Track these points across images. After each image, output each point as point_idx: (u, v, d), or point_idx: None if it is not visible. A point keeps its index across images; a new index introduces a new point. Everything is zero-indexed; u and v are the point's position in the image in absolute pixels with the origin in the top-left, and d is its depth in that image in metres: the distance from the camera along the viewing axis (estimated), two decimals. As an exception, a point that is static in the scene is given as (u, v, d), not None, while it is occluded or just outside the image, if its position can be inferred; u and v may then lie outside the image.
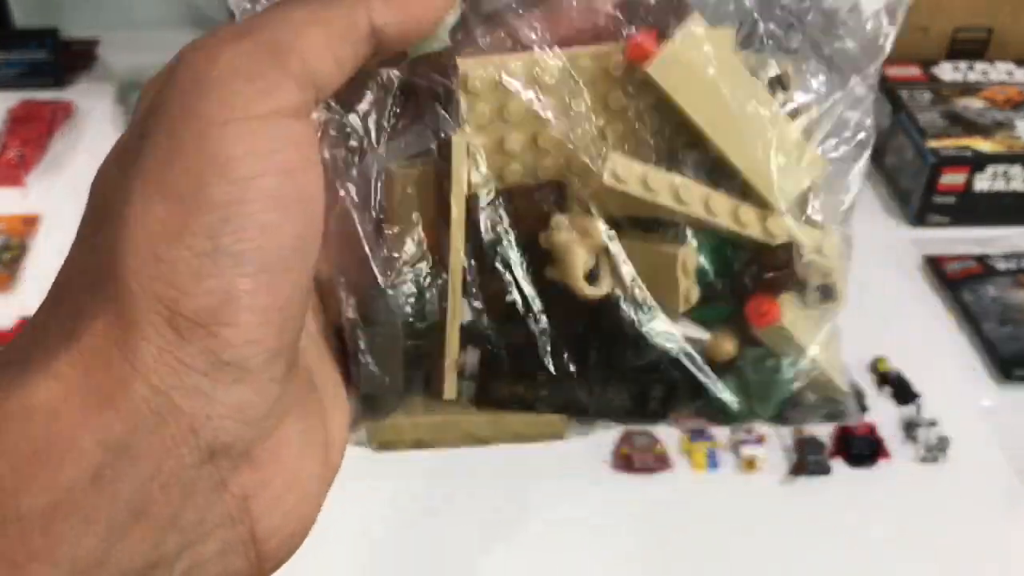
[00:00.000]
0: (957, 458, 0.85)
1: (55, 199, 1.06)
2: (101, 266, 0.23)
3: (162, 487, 0.22)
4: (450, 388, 0.28)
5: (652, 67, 0.27)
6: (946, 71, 1.20)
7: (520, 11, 0.27)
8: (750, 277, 0.28)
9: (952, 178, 1.08)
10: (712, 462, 0.84)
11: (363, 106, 0.27)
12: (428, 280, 0.27)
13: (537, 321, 0.28)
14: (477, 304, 0.28)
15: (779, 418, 0.30)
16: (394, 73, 0.27)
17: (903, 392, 0.90)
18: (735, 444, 0.85)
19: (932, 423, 0.87)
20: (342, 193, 0.27)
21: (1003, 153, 1.08)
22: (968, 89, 1.17)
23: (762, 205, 0.28)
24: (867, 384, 0.91)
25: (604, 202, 0.27)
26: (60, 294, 0.24)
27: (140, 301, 0.22)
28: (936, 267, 1.03)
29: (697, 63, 0.27)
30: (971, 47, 1.24)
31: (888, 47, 0.28)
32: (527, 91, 0.27)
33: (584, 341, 0.28)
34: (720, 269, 0.28)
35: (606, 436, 0.84)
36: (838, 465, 0.84)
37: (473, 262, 0.28)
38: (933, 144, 1.08)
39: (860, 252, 1.03)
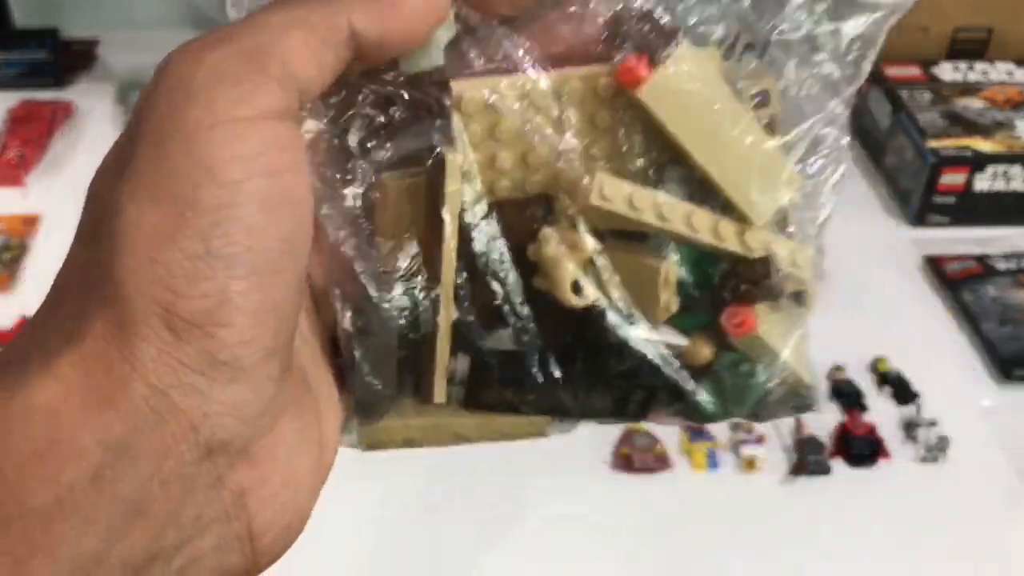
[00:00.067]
0: (957, 458, 0.85)
1: (55, 199, 1.07)
2: (99, 269, 0.23)
3: (162, 484, 0.23)
4: (440, 393, 0.29)
5: (644, 92, 0.28)
6: (946, 71, 1.20)
7: (512, 32, 0.28)
8: (728, 289, 0.29)
9: (952, 178, 1.08)
10: (712, 462, 0.84)
11: (355, 118, 0.27)
12: (421, 292, 0.28)
13: (525, 329, 0.29)
14: (469, 316, 0.29)
15: (751, 416, 0.31)
16: (388, 87, 0.27)
17: (903, 392, 0.90)
18: (735, 444, 0.85)
19: (932, 423, 0.87)
20: (334, 204, 0.27)
21: (1003, 153, 1.08)
22: (968, 89, 1.17)
23: (742, 220, 0.29)
24: (867, 384, 0.91)
25: (590, 217, 0.28)
26: (59, 296, 0.25)
27: (138, 303, 0.23)
28: (936, 267, 1.04)
29: (686, 87, 0.28)
30: (971, 47, 1.25)
31: (866, 71, 0.29)
32: (518, 111, 0.28)
33: (570, 348, 0.29)
34: (700, 281, 0.29)
35: (606, 436, 0.84)
36: (838, 465, 0.84)
37: (464, 273, 0.29)
38: (933, 144, 1.08)
39: (860, 252, 1.03)
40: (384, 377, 0.28)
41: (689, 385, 0.30)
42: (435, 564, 0.77)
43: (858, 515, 0.81)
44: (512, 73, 0.28)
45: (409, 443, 0.30)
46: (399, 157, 0.28)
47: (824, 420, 0.87)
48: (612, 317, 0.29)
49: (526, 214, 0.29)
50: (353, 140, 0.27)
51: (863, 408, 0.89)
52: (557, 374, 0.29)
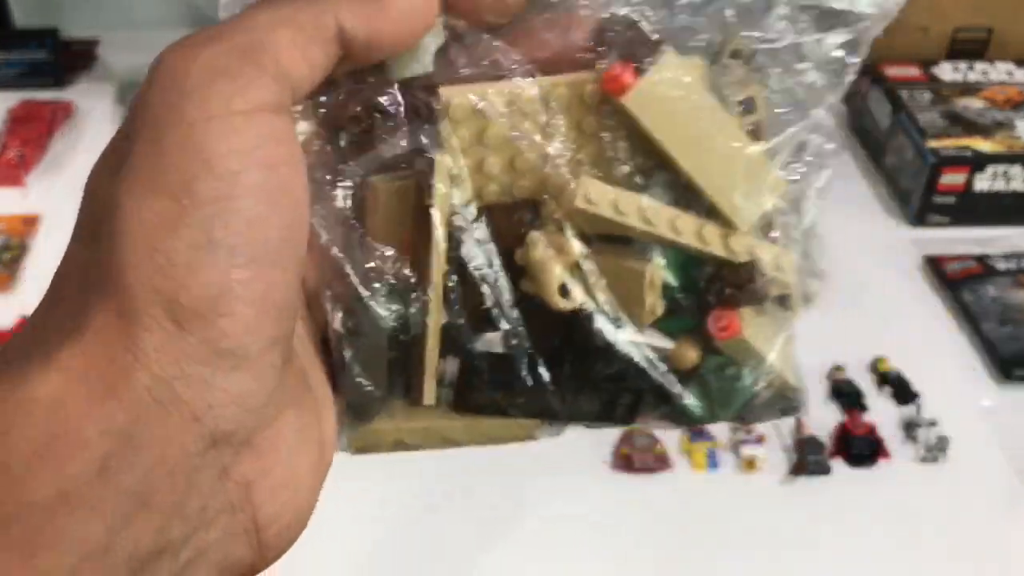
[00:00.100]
0: (957, 458, 0.85)
1: (55, 199, 1.07)
2: (100, 263, 0.23)
3: (167, 475, 0.23)
4: (429, 395, 0.30)
5: (629, 100, 0.28)
6: (946, 71, 1.20)
7: (499, 39, 0.28)
8: (714, 293, 0.30)
9: (952, 178, 1.08)
10: (712, 462, 0.84)
11: (346, 121, 0.28)
12: (411, 294, 0.29)
13: (514, 332, 0.29)
14: (459, 319, 0.29)
15: (737, 418, 0.31)
16: (378, 91, 0.28)
17: (903, 392, 0.90)
18: (735, 444, 0.85)
19: (932, 423, 0.87)
20: (324, 206, 0.27)
21: (1003, 153, 1.08)
22: (968, 89, 1.17)
23: (727, 224, 0.29)
24: (867, 384, 0.91)
25: (577, 221, 0.29)
26: (57, 295, 0.25)
27: (140, 294, 0.23)
28: (936, 267, 1.04)
29: (671, 95, 0.28)
30: (971, 47, 1.25)
31: (849, 79, 0.30)
32: (506, 118, 0.28)
33: (558, 352, 0.30)
34: (685, 284, 0.30)
35: (606, 436, 0.84)
36: (838, 465, 0.84)
37: (454, 276, 0.29)
38: (933, 144, 1.08)
39: (860, 252, 1.03)
40: (374, 378, 0.28)
41: (676, 388, 0.30)
42: (435, 564, 0.77)
43: (858, 515, 0.81)
44: (500, 80, 0.28)
45: (398, 446, 0.31)
46: (389, 160, 0.28)
47: (824, 420, 0.87)
48: (599, 320, 0.29)
49: (514, 218, 0.29)
50: (343, 143, 0.28)
51: (863, 408, 0.89)
52: (546, 377, 0.30)
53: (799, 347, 0.31)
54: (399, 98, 0.28)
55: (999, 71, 1.21)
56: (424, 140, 0.28)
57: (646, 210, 0.29)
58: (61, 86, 1.23)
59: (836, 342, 0.94)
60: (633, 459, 0.83)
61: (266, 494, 0.25)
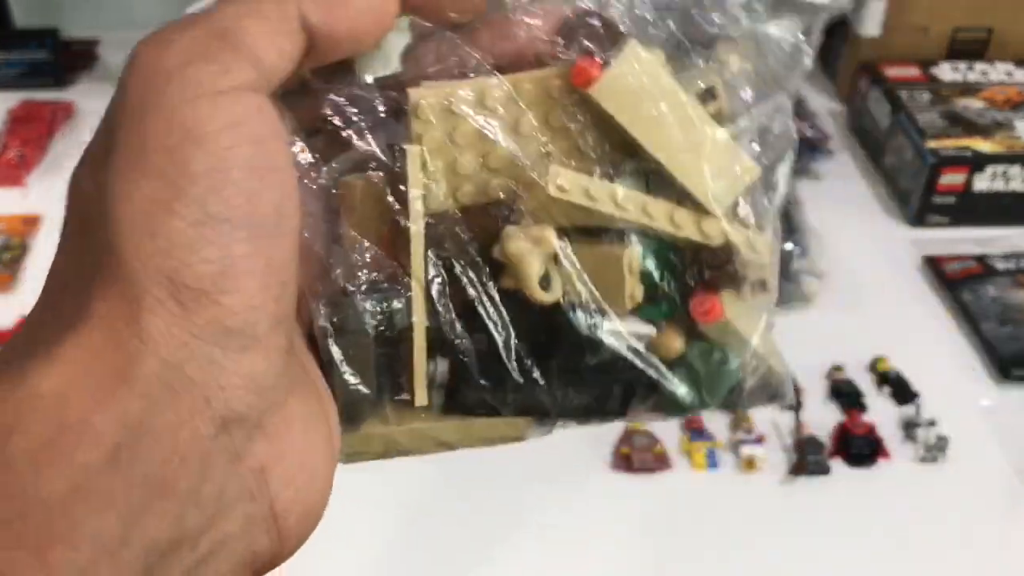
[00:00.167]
0: (956, 458, 0.85)
1: (55, 199, 1.06)
2: (95, 254, 0.23)
3: (180, 461, 0.23)
4: (420, 396, 0.30)
5: (597, 91, 0.29)
6: (946, 71, 1.20)
7: (464, 37, 0.29)
8: (692, 276, 0.30)
9: (952, 178, 1.08)
10: (712, 462, 0.84)
11: (318, 122, 0.28)
12: (394, 287, 0.29)
13: (500, 329, 0.29)
14: (446, 317, 0.29)
15: (725, 405, 0.31)
16: (348, 91, 0.28)
17: (902, 392, 0.90)
18: (735, 444, 0.85)
19: (931, 423, 0.87)
20: (303, 203, 0.28)
21: (1003, 153, 1.08)
22: (968, 89, 1.18)
23: (700, 209, 0.30)
24: (867, 384, 0.91)
25: (552, 213, 0.29)
26: (52, 297, 0.25)
27: (142, 276, 0.23)
28: (935, 267, 1.04)
29: (636, 84, 0.29)
30: (971, 47, 1.25)
31: (807, 63, 0.31)
32: (476, 115, 0.29)
33: (544, 346, 0.30)
34: (663, 267, 0.30)
35: (605, 436, 0.84)
36: (838, 465, 0.84)
37: (436, 276, 0.29)
38: (933, 144, 1.08)
39: (859, 252, 1.03)
40: (362, 375, 0.28)
41: (663, 376, 0.30)
42: (434, 565, 0.77)
43: (858, 515, 0.81)
44: (466, 78, 0.29)
45: (388, 452, 0.31)
46: (363, 159, 0.28)
47: (824, 420, 0.87)
48: (581, 311, 0.29)
49: (490, 216, 0.30)
50: (317, 144, 0.28)
51: (863, 408, 0.89)
52: (535, 373, 0.30)
53: (799, 347, 0.31)
54: (368, 98, 0.28)
55: (999, 71, 1.21)
56: (395, 135, 0.28)
57: (618, 196, 0.29)
58: (61, 86, 1.23)
59: (835, 342, 0.94)
60: (633, 459, 0.83)
61: (282, 480, 0.25)
